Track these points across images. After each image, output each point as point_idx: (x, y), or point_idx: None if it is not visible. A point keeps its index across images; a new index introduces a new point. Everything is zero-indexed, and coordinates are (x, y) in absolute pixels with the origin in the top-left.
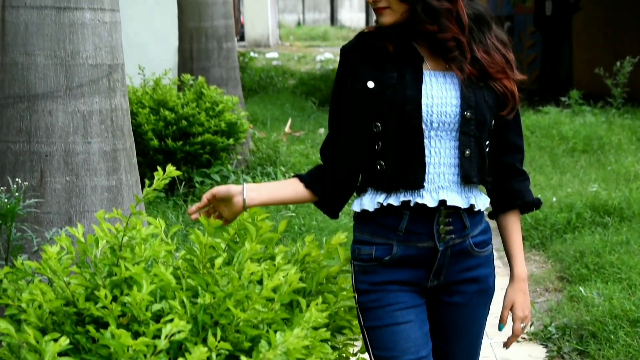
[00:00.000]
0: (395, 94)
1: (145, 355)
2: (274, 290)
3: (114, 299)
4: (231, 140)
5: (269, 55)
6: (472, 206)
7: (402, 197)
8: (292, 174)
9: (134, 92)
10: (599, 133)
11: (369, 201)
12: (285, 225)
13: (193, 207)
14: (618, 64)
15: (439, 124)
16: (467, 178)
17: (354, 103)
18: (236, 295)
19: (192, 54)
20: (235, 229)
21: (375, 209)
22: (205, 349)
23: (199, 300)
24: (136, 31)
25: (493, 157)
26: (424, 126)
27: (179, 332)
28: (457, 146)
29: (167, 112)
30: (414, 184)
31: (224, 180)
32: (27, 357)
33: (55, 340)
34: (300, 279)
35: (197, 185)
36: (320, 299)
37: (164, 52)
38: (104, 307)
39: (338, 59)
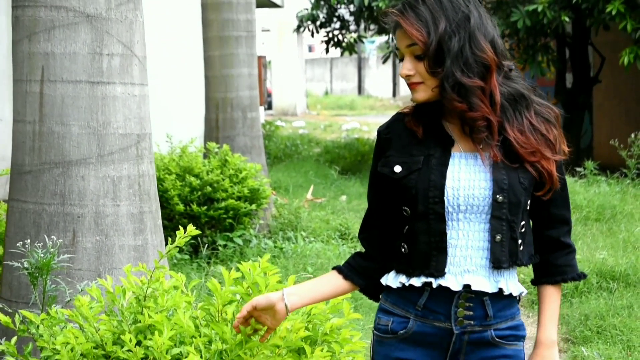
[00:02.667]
0: (419, 179)
1: None
2: (282, 337)
3: (138, 343)
4: (254, 206)
5: (296, 123)
6: (500, 290)
7: (424, 279)
8: (332, 268)
9: (161, 159)
10: (612, 203)
11: (393, 279)
12: (294, 280)
13: (235, 323)
14: (633, 135)
15: (467, 207)
16: (497, 263)
17: (385, 187)
18: (247, 346)
19: (217, 123)
20: (249, 283)
21: (397, 287)
22: None
23: (213, 347)
24: (166, 102)
25: (537, 232)
26: (450, 209)
27: None
28: (488, 229)
29: (192, 179)
30: (435, 270)
31: (246, 243)
32: None
33: None
34: (307, 329)
35: (220, 248)
36: (325, 347)
37: (191, 121)
38: (129, 350)
39: (364, 127)
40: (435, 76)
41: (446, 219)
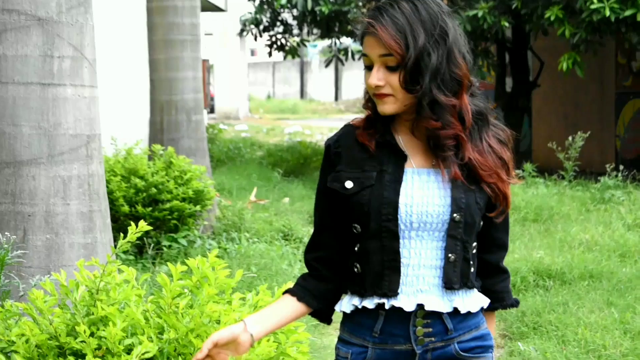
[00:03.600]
0: (372, 196)
1: None
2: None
3: (92, 334)
4: (198, 207)
5: (239, 127)
6: (456, 309)
7: (377, 300)
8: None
9: (106, 160)
10: (549, 204)
11: (346, 303)
12: (241, 274)
13: None
14: (570, 138)
15: (419, 225)
16: (449, 284)
17: (334, 203)
18: (197, 330)
19: (162, 125)
20: (198, 277)
21: (351, 311)
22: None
23: (165, 336)
24: (110, 104)
25: (478, 257)
26: (402, 227)
27: (147, 352)
28: (443, 248)
29: (137, 180)
30: (387, 290)
31: (191, 244)
32: None
33: None
34: None
35: (164, 248)
36: (271, 337)
37: (136, 124)
38: (82, 341)
39: (306, 131)
40: (410, 92)
41: (399, 237)
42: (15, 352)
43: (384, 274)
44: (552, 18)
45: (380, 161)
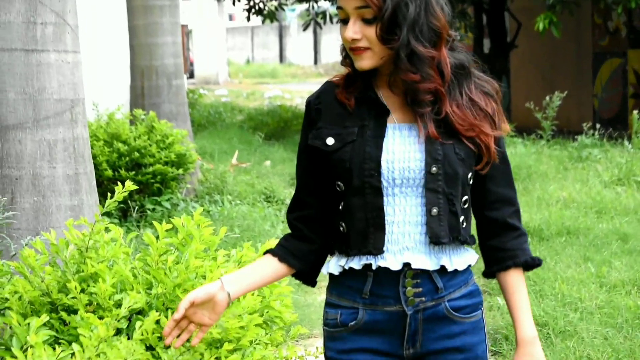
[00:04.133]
0: (353, 152)
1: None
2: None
3: (82, 290)
4: (180, 171)
5: (218, 92)
6: (443, 267)
7: (364, 261)
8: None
9: (89, 126)
10: (528, 163)
11: (334, 264)
12: (225, 231)
13: (166, 329)
14: (548, 98)
15: (402, 181)
16: (435, 238)
17: (316, 160)
18: (184, 285)
19: (143, 90)
20: (184, 234)
21: (339, 272)
22: (157, 313)
23: (153, 291)
24: (91, 70)
25: (478, 215)
26: (385, 184)
27: (136, 302)
28: (424, 204)
29: (120, 145)
30: (373, 248)
31: (174, 207)
32: (15, 332)
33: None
34: None
35: (148, 212)
36: (255, 291)
37: (117, 90)
38: (74, 297)
39: (286, 95)
40: (387, 44)
41: (383, 193)
42: (9, 308)
43: (369, 231)
44: None
45: (362, 117)
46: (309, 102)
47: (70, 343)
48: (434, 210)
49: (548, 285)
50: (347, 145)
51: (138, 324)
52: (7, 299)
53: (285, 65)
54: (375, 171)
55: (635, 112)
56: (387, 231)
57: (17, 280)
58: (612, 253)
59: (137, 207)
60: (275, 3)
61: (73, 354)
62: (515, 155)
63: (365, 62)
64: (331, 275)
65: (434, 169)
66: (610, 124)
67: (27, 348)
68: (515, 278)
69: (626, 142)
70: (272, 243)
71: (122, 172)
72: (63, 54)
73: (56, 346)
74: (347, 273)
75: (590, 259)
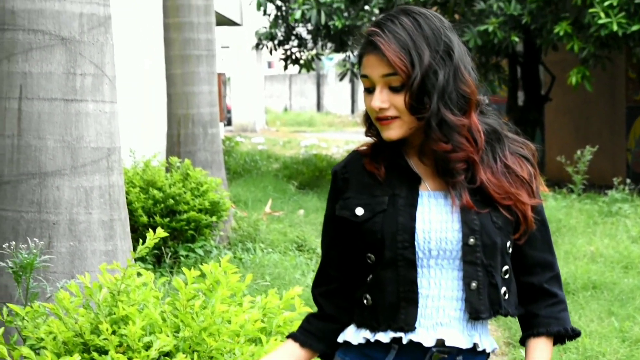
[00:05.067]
0: (385, 222)
1: None
2: (240, 327)
3: (113, 332)
4: (214, 218)
5: (255, 140)
6: (474, 346)
7: (392, 334)
8: (286, 336)
9: (125, 172)
10: (557, 217)
11: (354, 334)
12: (251, 278)
13: None
14: (579, 152)
15: (439, 252)
16: (475, 314)
17: (344, 232)
18: (210, 329)
19: (179, 138)
20: (211, 281)
21: (360, 343)
22: (184, 355)
23: (180, 334)
24: (129, 118)
25: (516, 281)
26: (421, 255)
27: (165, 346)
28: (462, 277)
29: (155, 191)
30: (404, 324)
31: (207, 254)
32: None
33: None
34: (262, 321)
35: (182, 258)
36: (279, 337)
37: (154, 137)
38: (105, 338)
39: (322, 144)
40: (416, 113)
41: (417, 265)
42: (44, 348)
43: (400, 305)
44: (561, 33)
45: (392, 185)
46: (335, 172)
47: None
48: (473, 285)
49: None
50: (378, 215)
51: None
52: (42, 339)
53: (323, 113)
54: (408, 242)
55: None
56: (420, 305)
57: (52, 321)
58: (636, 308)
59: (170, 254)
60: (312, 53)
61: None
62: (546, 209)
63: (393, 132)
64: (346, 343)
65: (472, 240)
66: None
67: None
68: (541, 345)
69: None
70: (297, 290)
71: (157, 218)
72: (101, 104)
73: None
74: (369, 344)
75: (614, 314)
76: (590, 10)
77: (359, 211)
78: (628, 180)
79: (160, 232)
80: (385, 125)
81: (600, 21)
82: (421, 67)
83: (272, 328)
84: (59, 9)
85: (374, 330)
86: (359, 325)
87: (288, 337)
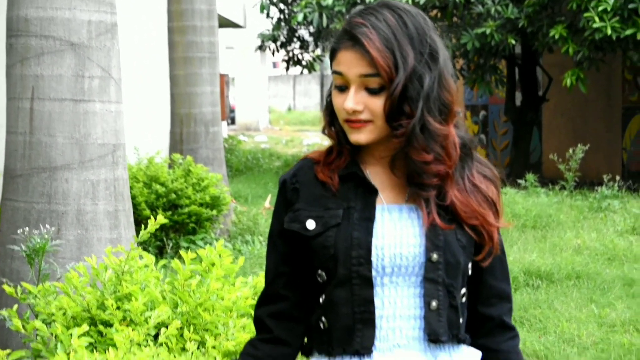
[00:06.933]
0: (339, 237)
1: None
2: (233, 303)
3: (118, 308)
4: (214, 212)
5: (258, 138)
6: None
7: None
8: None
9: (130, 168)
10: (548, 212)
11: None
12: (243, 261)
13: None
14: (571, 150)
15: (392, 269)
16: (434, 336)
17: (294, 247)
18: (205, 304)
19: (182, 136)
20: (207, 263)
21: None
22: (179, 321)
23: (178, 309)
24: (133, 117)
25: (471, 310)
26: (374, 273)
27: (163, 314)
28: (421, 295)
29: (158, 186)
30: (360, 347)
31: (208, 246)
32: (60, 340)
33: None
34: (253, 299)
35: (183, 249)
36: None
37: (157, 135)
38: (110, 313)
39: (325, 142)
40: (391, 120)
41: (373, 284)
42: (55, 321)
43: (355, 328)
44: (557, 36)
45: (346, 197)
46: (284, 181)
47: (105, 351)
48: (434, 304)
49: (551, 323)
50: (331, 229)
51: (163, 330)
52: (52, 314)
53: None
54: (364, 259)
55: None
56: (376, 326)
57: (62, 298)
58: (616, 296)
59: (172, 245)
60: (314, 54)
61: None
62: (537, 205)
63: (363, 137)
64: None
65: (435, 256)
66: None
67: (69, 352)
68: None
69: None
70: None
71: (160, 212)
72: (107, 104)
73: (94, 350)
74: None
75: (595, 301)
76: (585, 14)
77: (310, 224)
78: (617, 178)
79: (161, 219)
80: (356, 128)
81: (595, 25)
82: (405, 71)
83: None
84: (69, 17)
85: (329, 355)
86: (319, 352)
87: None
